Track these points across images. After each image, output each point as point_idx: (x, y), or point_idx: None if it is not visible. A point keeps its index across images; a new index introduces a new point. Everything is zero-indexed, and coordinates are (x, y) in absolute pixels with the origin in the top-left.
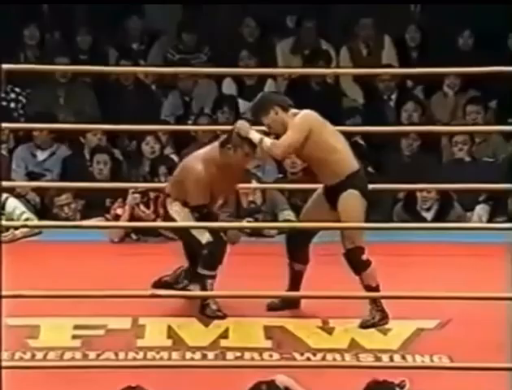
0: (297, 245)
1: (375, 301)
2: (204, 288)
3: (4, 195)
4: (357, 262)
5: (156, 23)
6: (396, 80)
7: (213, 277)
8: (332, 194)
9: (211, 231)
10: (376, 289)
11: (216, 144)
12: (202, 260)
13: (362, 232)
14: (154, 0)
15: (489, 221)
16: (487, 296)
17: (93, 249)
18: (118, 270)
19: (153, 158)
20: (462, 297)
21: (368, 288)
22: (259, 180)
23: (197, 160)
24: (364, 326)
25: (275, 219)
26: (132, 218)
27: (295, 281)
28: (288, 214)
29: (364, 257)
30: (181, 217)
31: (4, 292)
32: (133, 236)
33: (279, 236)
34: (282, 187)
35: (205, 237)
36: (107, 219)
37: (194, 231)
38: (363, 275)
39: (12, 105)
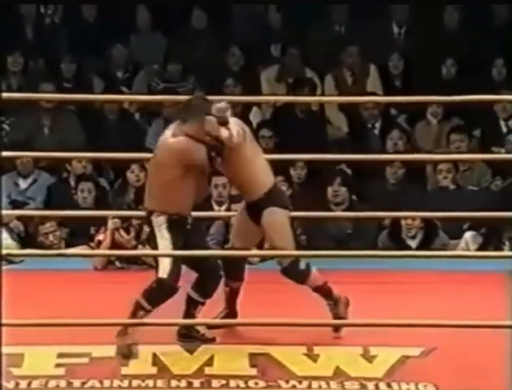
0: (236, 266)
1: (330, 297)
2: (135, 318)
3: None
4: (297, 273)
5: (141, 51)
6: (380, 108)
7: (148, 312)
8: (254, 210)
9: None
10: (325, 285)
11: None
12: (148, 292)
13: (292, 245)
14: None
15: (480, 249)
16: (471, 324)
17: (78, 277)
18: (102, 299)
19: (138, 186)
20: (448, 325)
21: (318, 288)
22: None
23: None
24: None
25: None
26: (114, 244)
27: (232, 297)
28: None
29: (302, 265)
30: (164, 242)
31: (19, 321)
32: (117, 264)
33: (262, 263)
34: None
35: (163, 271)
36: (91, 247)
37: (160, 259)
38: (309, 282)
39: None
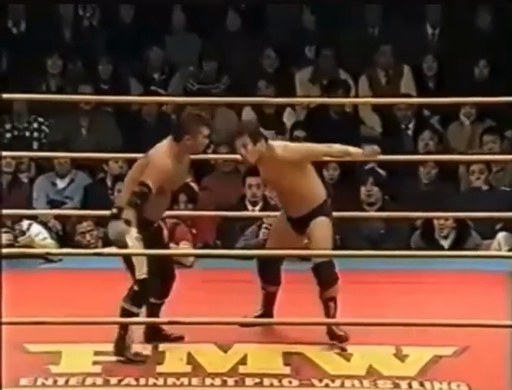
0: (270, 270)
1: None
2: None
3: (28, 221)
4: (328, 275)
5: (176, 53)
6: (413, 109)
7: (137, 315)
8: (300, 224)
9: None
10: (335, 300)
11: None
12: (131, 296)
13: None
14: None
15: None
16: (504, 324)
17: (114, 277)
18: None
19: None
20: (479, 325)
21: (332, 299)
22: None
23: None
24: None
25: None
26: None
27: (269, 301)
28: None
29: (335, 270)
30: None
31: (21, 319)
32: None
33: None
34: None
35: (141, 272)
36: None
37: (134, 260)
38: (333, 289)
39: (35, 134)
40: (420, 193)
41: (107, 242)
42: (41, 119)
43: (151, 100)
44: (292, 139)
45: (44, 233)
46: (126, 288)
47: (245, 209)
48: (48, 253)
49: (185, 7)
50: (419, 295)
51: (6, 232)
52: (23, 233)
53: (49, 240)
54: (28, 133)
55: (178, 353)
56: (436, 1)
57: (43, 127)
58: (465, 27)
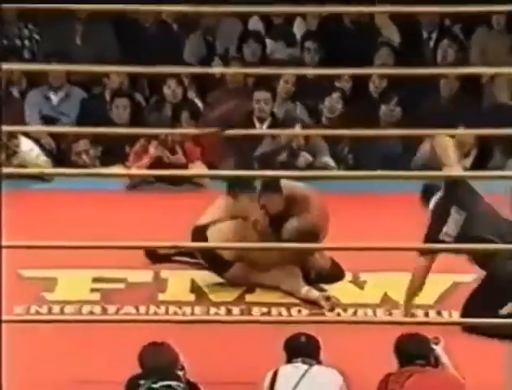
0: None
1: None
2: None
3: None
4: None
5: None
6: (436, 17)
7: None
8: None
9: None
10: None
11: None
12: None
13: None
14: None
15: None
16: None
17: (111, 198)
18: (136, 221)
19: (175, 103)
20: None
21: None
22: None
23: None
24: None
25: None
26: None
27: None
28: (327, 161)
29: None
30: None
31: (16, 243)
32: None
33: None
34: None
35: None
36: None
37: None
38: None
39: (26, 42)
40: (440, 108)
41: (105, 162)
42: (31, 26)
43: (152, 10)
44: (303, 50)
45: (36, 150)
46: (124, 208)
47: (253, 126)
48: (41, 173)
49: None
50: None
51: None
52: (14, 153)
53: (43, 157)
54: (18, 42)
55: (181, 280)
56: None
57: (34, 36)
58: None
